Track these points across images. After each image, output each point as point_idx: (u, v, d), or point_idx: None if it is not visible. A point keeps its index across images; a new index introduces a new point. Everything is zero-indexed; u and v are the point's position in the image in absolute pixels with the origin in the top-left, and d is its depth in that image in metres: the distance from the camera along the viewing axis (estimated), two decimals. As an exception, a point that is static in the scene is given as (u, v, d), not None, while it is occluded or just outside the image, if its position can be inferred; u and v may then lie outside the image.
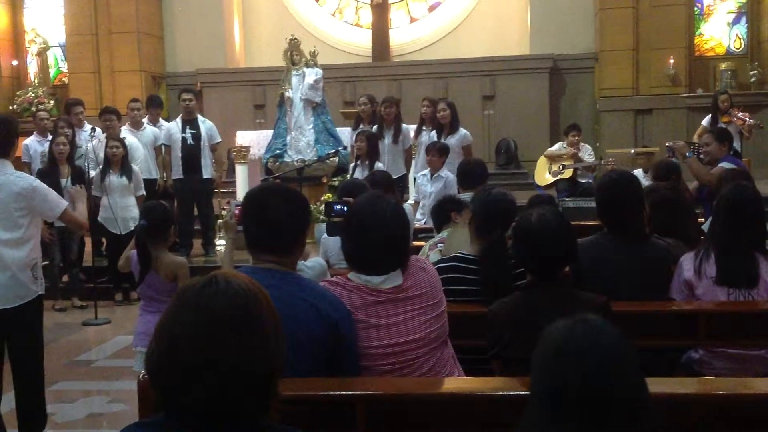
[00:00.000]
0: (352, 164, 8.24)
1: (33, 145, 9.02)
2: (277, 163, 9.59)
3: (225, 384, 1.52)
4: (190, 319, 1.56)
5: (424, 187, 7.44)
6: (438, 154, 7.41)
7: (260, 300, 1.61)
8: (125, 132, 9.03)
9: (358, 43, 15.12)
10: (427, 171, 7.54)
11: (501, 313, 2.91)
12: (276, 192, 2.72)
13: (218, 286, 1.59)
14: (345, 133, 9.77)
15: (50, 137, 8.55)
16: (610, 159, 9.84)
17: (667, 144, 7.16)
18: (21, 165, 8.19)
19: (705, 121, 10.28)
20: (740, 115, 9.95)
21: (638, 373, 1.64)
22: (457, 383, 2.62)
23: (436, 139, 8.24)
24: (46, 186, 4.43)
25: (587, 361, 1.59)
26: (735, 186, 3.75)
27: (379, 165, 7.75)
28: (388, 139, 8.64)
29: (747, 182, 4.01)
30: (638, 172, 9.52)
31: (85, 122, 9.29)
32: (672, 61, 12.95)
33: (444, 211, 4.70)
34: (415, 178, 8.22)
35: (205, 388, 1.52)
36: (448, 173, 7.36)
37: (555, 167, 9.96)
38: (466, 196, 5.14)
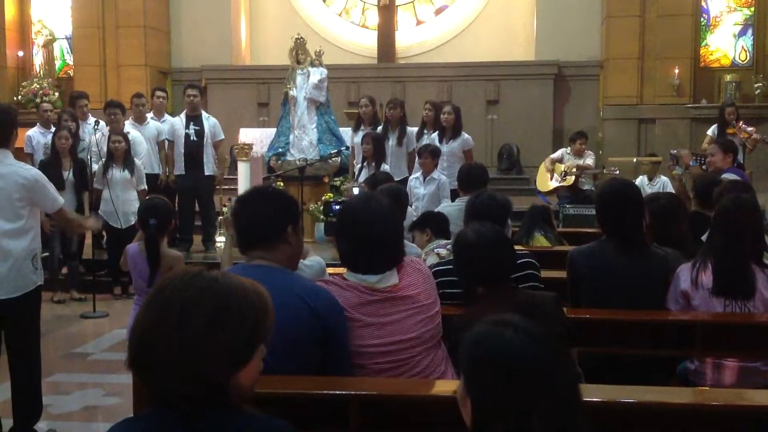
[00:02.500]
0: (359, 166, 8.25)
1: (36, 136, 9.04)
2: (280, 162, 9.60)
3: (169, 376, 1.54)
4: (151, 313, 1.59)
5: (416, 190, 7.46)
6: (430, 156, 7.43)
7: (229, 298, 1.60)
8: (129, 126, 9.03)
9: (363, 44, 15.13)
10: (419, 174, 7.55)
11: (462, 323, 2.90)
12: (258, 191, 2.83)
13: (183, 281, 1.60)
14: (346, 134, 9.78)
15: (53, 129, 8.58)
16: (613, 168, 9.83)
17: (671, 151, 7.15)
18: (23, 156, 8.20)
19: (710, 131, 10.29)
20: (745, 127, 9.95)
21: (556, 378, 1.63)
22: (449, 384, 2.61)
23: (437, 141, 8.25)
24: (47, 179, 4.46)
25: (499, 370, 1.61)
26: (733, 197, 3.74)
27: (385, 167, 7.77)
28: (392, 141, 8.65)
29: (746, 194, 3.99)
30: (642, 180, 9.52)
31: (89, 115, 9.30)
32: (677, 71, 12.95)
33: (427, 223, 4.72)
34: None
35: (156, 379, 1.56)
36: (440, 175, 7.41)
37: (557, 173, 9.95)
38: (463, 200, 5.18)
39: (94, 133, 8.52)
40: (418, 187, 7.44)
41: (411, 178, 7.78)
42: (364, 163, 7.97)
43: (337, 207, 3.30)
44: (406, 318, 2.65)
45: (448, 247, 4.20)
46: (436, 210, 5.63)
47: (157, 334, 1.56)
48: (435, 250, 4.32)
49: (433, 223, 4.76)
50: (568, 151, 10.02)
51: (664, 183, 9.47)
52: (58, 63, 15.07)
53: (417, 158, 7.72)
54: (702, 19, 13.53)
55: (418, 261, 2.89)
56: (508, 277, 3.06)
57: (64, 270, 8.43)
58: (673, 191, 7.49)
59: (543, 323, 2.65)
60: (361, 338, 2.61)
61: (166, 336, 1.55)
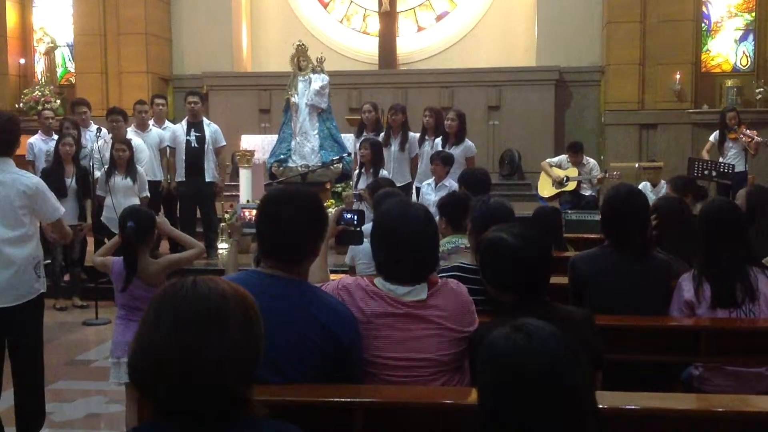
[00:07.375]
0: (356, 171, 8.25)
1: (37, 143, 9.05)
2: (281, 168, 9.61)
3: (184, 384, 1.54)
4: (155, 322, 1.59)
5: (428, 196, 7.44)
6: (442, 163, 7.43)
7: (228, 304, 1.61)
8: (131, 133, 9.05)
9: (364, 50, 15.14)
10: (431, 180, 7.56)
11: (484, 334, 2.81)
12: (291, 198, 2.56)
13: (184, 290, 1.61)
14: (349, 140, 9.79)
15: (55, 136, 8.59)
16: (615, 172, 9.78)
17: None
18: (25, 163, 8.21)
19: (713, 137, 10.32)
20: (747, 132, 9.95)
21: (580, 376, 1.63)
22: (455, 394, 2.60)
23: (440, 148, 8.25)
24: (48, 189, 4.44)
25: (526, 368, 1.60)
26: (709, 203, 3.70)
27: (383, 172, 7.77)
28: (394, 147, 8.65)
29: (722, 197, 3.92)
30: (645, 186, 9.49)
31: (91, 122, 9.31)
32: (678, 76, 12.95)
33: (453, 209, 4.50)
34: (418, 188, 8.22)
35: (168, 388, 1.55)
36: (452, 182, 7.38)
37: (560, 177, 9.86)
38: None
39: (96, 140, 8.54)
40: (429, 194, 7.44)
41: (423, 184, 7.79)
42: (362, 169, 7.96)
43: (349, 216, 3.21)
44: (425, 337, 2.59)
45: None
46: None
47: (151, 344, 1.57)
48: (446, 246, 4.20)
49: (450, 210, 4.51)
50: (568, 159, 9.96)
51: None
52: (59, 70, 15.10)
53: (429, 164, 7.70)
54: (703, 25, 13.54)
55: (457, 283, 2.77)
56: (543, 288, 2.78)
57: (67, 277, 8.43)
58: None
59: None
60: (376, 348, 2.58)
61: (159, 345, 1.56)
